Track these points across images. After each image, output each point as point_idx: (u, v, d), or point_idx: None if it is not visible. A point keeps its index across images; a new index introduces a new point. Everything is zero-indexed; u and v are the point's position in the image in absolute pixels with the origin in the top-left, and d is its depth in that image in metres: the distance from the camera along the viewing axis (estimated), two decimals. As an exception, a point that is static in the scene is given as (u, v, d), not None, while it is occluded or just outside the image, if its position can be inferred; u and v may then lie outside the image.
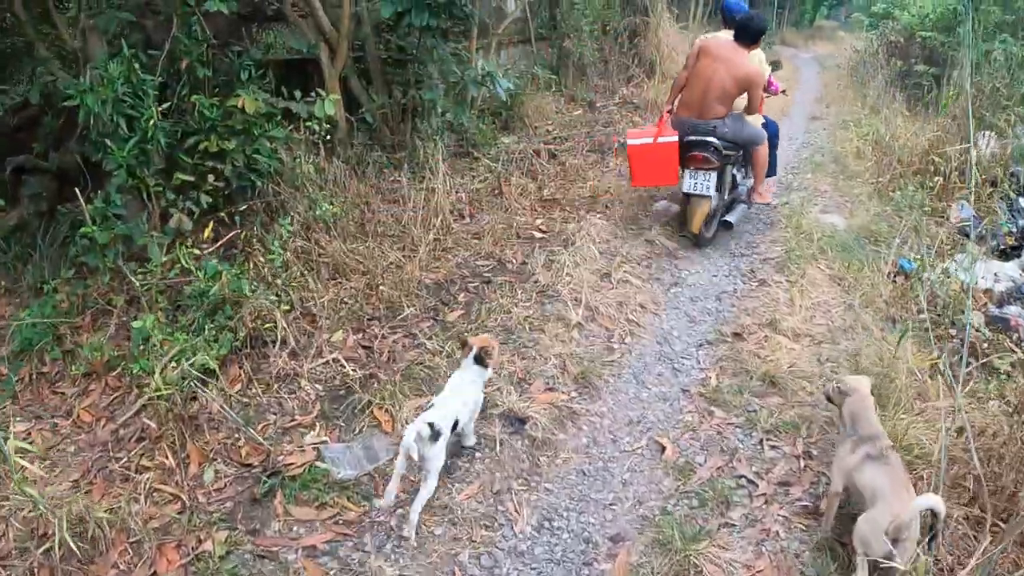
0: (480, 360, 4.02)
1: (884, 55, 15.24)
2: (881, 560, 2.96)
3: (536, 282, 5.92)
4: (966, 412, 4.01)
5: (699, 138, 6.40)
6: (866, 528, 3.06)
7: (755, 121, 6.84)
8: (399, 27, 7.76)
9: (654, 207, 7.72)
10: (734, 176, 7.02)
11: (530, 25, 12.17)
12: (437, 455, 3.57)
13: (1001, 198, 8.51)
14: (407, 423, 3.77)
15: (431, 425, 3.48)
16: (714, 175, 6.43)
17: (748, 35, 6.33)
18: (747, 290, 6.22)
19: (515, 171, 8.02)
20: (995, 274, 6.80)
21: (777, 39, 28.24)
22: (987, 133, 9.14)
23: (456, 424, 3.77)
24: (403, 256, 6.12)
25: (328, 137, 6.50)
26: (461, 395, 3.89)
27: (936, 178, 8.16)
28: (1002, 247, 7.61)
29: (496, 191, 7.63)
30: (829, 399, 3.96)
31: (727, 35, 6.56)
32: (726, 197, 6.96)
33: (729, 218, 6.91)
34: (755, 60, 6.47)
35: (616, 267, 6.24)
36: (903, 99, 12.76)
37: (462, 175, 7.85)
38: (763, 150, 6.85)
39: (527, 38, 12.27)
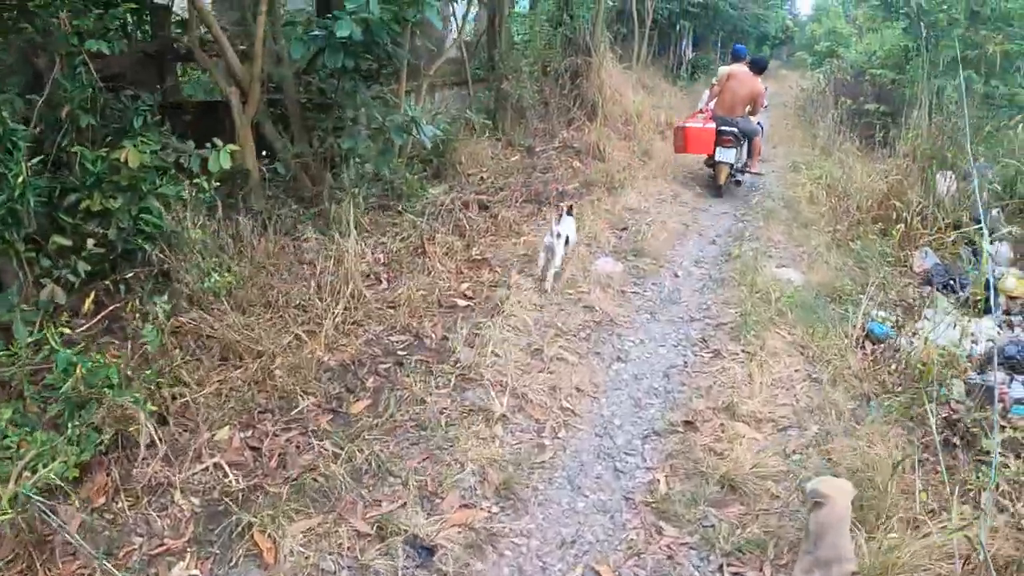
0: (571, 211, 7.00)
1: (832, 94, 14.79)
2: None
3: (457, 362, 5.09)
4: (964, 532, 3.26)
5: (727, 128, 10.11)
6: None
7: (755, 120, 10.68)
8: (312, 69, 7.00)
9: (595, 264, 6.97)
10: (741, 150, 10.53)
11: (467, 66, 11.48)
12: (561, 250, 6.41)
13: (966, 243, 7.96)
14: (291, 554, 3.53)
15: (559, 234, 6.36)
16: (733, 150, 10.18)
17: (757, 68, 10.43)
18: (699, 363, 5.45)
19: (442, 226, 7.22)
20: (972, 334, 6.11)
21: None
22: (948, 173, 8.59)
23: (568, 240, 6.60)
24: (306, 332, 5.26)
25: (232, 192, 5.75)
26: (570, 227, 6.74)
27: (898, 226, 7.52)
28: (969, 298, 6.97)
29: (419, 250, 6.80)
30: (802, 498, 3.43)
31: (740, 67, 10.46)
32: (736, 167, 10.62)
33: (739, 178, 10.97)
34: (759, 84, 10.29)
35: (549, 341, 5.44)
36: (855, 139, 12.28)
37: (383, 231, 7.02)
38: (758, 139, 10.76)
39: (463, 80, 11.57)
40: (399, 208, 7.54)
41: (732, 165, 10.34)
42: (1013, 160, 8.35)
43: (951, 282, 7.36)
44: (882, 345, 5.76)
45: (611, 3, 15.38)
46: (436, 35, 10.84)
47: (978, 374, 5.56)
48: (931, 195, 8.15)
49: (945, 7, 12.01)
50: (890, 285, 6.94)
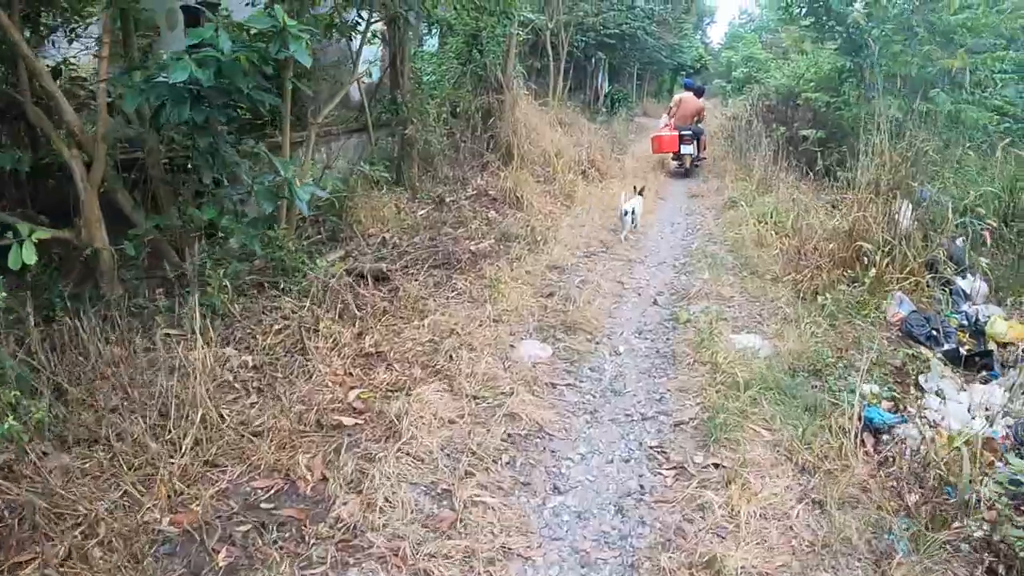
0: (641, 192, 10.45)
1: (761, 121, 13.84)
2: None
3: (337, 520, 3.67)
4: None
5: (686, 132, 14.60)
6: None
7: (701, 126, 15.35)
8: (156, 123, 5.64)
9: (518, 351, 5.64)
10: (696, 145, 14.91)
11: (367, 111, 10.18)
12: (630, 218, 9.53)
13: (942, 285, 6.92)
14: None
15: (626, 211, 9.53)
16: (692, 145, 14.66)
17: (698, 93, 15.63)
18: (661, 488, 4.12)
19: (330, 309, 5.82)
20: (985, 409, 4.97)
21: (639, 110, 27.48)
22: (904, 203, 7.55)
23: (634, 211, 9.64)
24: (142, 481, 3.82)
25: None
26: (638, 202, 9.86)
27: (869, 271, 6.43)
28: (959, 350, 5.83)
29: (298, 346, 5.38)
30: None
31: (687, 93, 15.63)
32: (693, 155, 14.97)
33: (697, 163, 15.43)
34: (700, 103, 15.47)
35: (462, 477, 4.05)
36: (794, 169, 11.30)
37: (258, 320, 5.60)
38: (704, 137, 15.51)
39: (364, 126, 10.25)
40: (283, 284, 6.15)
41: (691, 155, 15.14)
42: (989, 186, 7.34)
43: (934, 333, 6.27)
44: (885, 436, 4.54)
45: (523, 36, 14.26)
46: (338, 78, 9.61)
47: (1005, 465, 4.38)
48: (895, 229, 7.07)
49: (884, 24, 11.14)
50: (870, 345, 5.77)
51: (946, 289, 6.94)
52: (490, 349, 5.54)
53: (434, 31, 16.34)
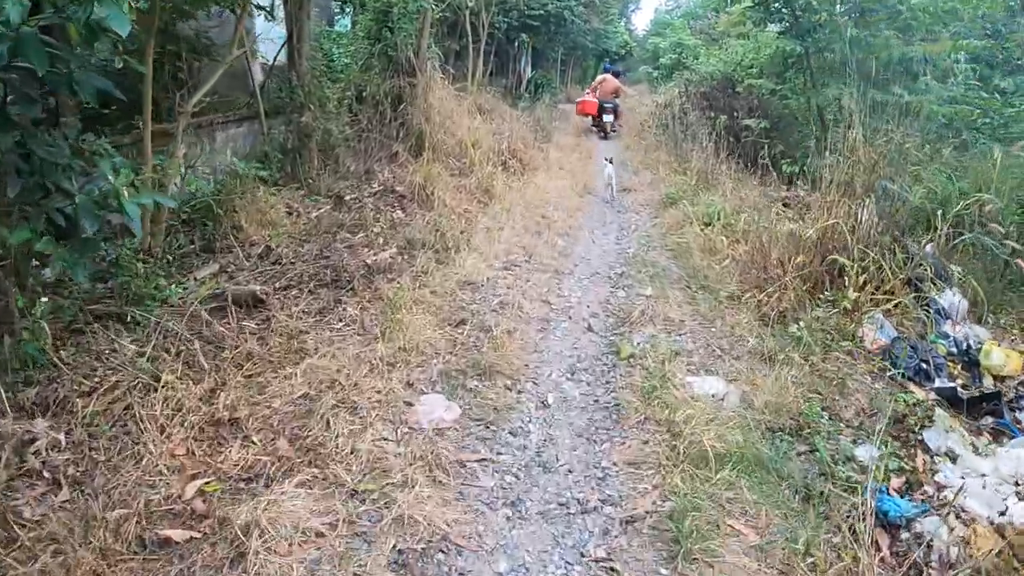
0: (611, 161, 11.85)
1: (698, 109, 12.73)
2: None
3: None
4: None
5: (607, 104, 18.57)
6: None
7: (618, 101, 19.04)
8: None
9: (416, 410, 4.32)
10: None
11: (259, 97, 8.76)
12: (610, 180, 11.13)
13: (924, 306, 5.89)
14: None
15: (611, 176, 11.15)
16: (611, 116, 18.65)
17: (615, 75, 20.33)
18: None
19: (180, 353, 4.45)
20: (1017, 484, 3.89)
21: (563, 97, 26.38)
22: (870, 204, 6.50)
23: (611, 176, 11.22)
24: None
25: None
26: (612, 170, 11.31)
27: (847, 290, 5.35)
28: (958, 391, 4.86)
29: (128, 412, 3.98)
30: None
31: (607, 75, 19.58)
32: (611, 122, 18.63)
33: (614, 129, 18.84)
34: (617, 82, 19.43)
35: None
36: (737, 162, 10.24)
37: (91, 370, 4.21)
38: (620, 109, 19.32)
39: (255, 113, 8.82)
40: (130, 317, 4.77)
41: (610, 123, 18.74)
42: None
43: (923, 365, 5.21)
44: (905, 533, 3.40)
45: (440, 14, 12.89)
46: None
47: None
48: (869, 236, 6.00)
49: (837, 6, 10.13)
50: (855, 387, 4.66)
51: (927, 308, 5.90)
52: (380, 410, 4.22)
53: (347, 9, 14.90)
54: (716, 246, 7.39)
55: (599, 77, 19.74)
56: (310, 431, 3.96)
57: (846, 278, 5.65)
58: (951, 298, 5.94)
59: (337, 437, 3.86)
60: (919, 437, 4.26)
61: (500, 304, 6.01)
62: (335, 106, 9.59)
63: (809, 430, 4.18)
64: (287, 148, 9.13)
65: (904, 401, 4.56)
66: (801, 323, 5.34)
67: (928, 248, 6.31)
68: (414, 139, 10.95)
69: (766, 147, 9.89)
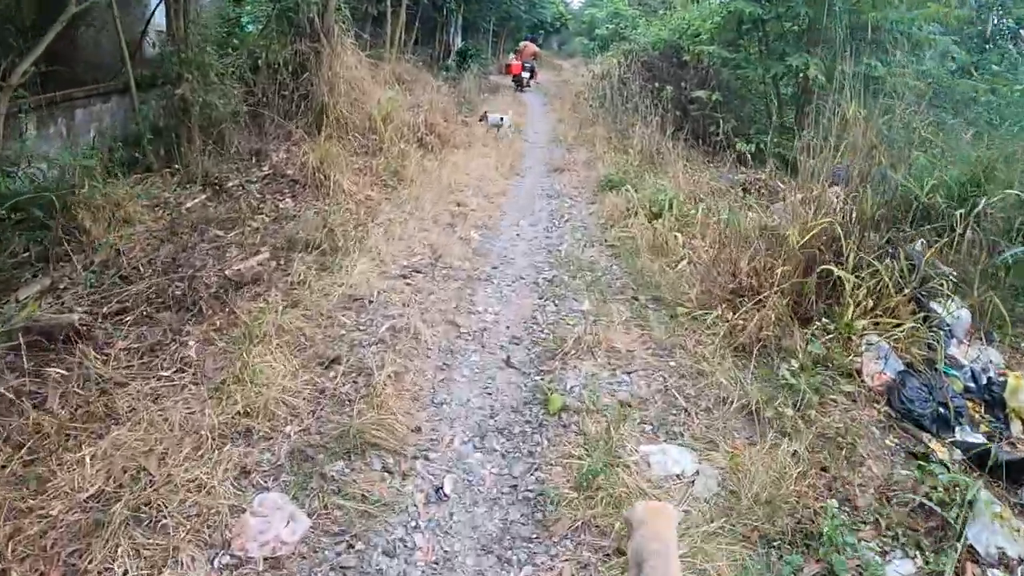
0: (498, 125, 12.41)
1: (640, 80, 11.37)
2: None
3: None
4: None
5: (527, 64, 22.70)
6: None
7: (535, 62, 24.01)
8: None
9: (247, 525, 2.87)
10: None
11: (128, 65, 7.24)
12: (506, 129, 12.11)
13: (932, 326, 4.70)
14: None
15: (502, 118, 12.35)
16: (528, 73, 22.57)
17: (534, 42, 28.66)
18: None
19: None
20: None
21: (495, 67, 24.93)
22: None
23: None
24: None
25: None
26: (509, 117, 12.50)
27: (846, 310, 4.10)
28: (992, 450, 3.62)
29: None
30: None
31: (528, 42, 25.58)
32: (527, 79, 22.37)
33: (529, 84, 22.51)
34: (535, 47, 26.27)
35: None
36: (687, 139, 8.97)
37: None
38: (537, 69, 24.20)
39: (126, 86, 7.26)
40: None
41: (526, 79, 22.13)
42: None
43: (941, 410, 4.00)
44: None
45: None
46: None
47: None
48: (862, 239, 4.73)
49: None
50: (866, 452, 3.40)
51: (933, 327, 4.69)
52: (194, 524, 2.79)
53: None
54: (668, 243, 6.06)
55: (521, 44, 25.21)
56: (91, 561, 2.53)
57: (841, 293, 4.37)
58: (951, 309, 4.74)
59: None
60: (961, 532, 3.01)
61: (391, 330, 4.56)
62: (219, 75, 8.03)
63: (819, 539, 2.86)
64: (160, 127, 7.62)
65: (930, 473, 3.27)
66: (793, 361, 4.03)
67: (916, 246, 5.09)
68: (315, 113, 9.45)
69: (719, 123, 8.61)
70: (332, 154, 7.96)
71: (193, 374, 3.93)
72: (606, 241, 6.70)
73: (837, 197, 5.01)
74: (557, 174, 9.83)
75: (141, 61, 8.05)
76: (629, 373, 4.24)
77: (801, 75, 8.91)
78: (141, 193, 6.70)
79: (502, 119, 12.46)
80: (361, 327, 4.63)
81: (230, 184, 7.41)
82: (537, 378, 4.22)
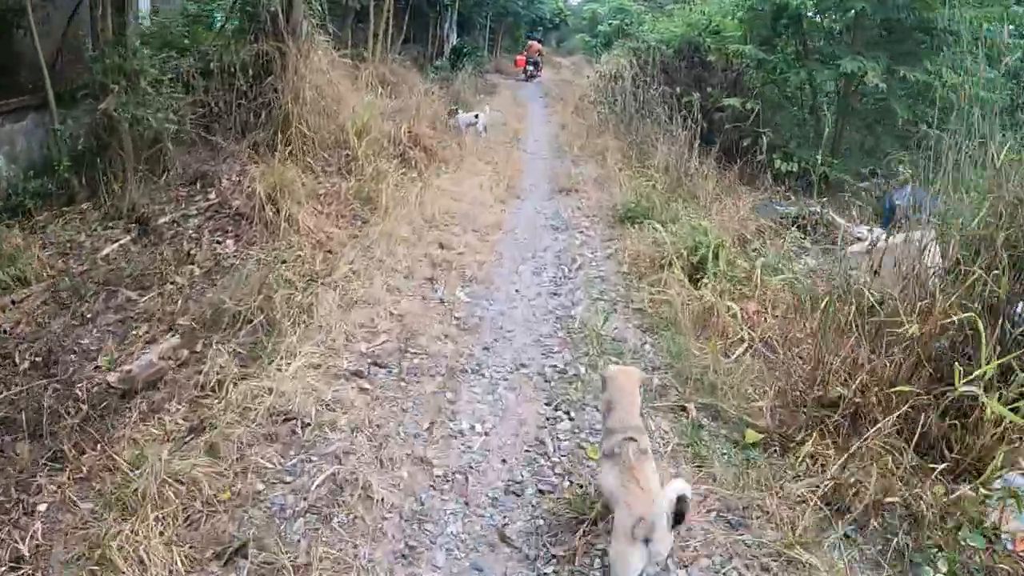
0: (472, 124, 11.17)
1: (656, 83, 9.87)
2: None
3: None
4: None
5: (532, 59, 25.22)
6: (612, 554, 2.52)
7: (539, 57, 25.90)
8: None
9: None
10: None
11: (46, 75, 5.87)
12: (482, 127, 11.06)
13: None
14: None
15: (477, 116, 11.14)
16: (533, 66, 25.05)
17: (538, 40, 28.88)
18: None
19: None
20: None
21: (491, 66, 23.52)
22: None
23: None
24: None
25: None
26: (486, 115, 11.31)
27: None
28: None
29: None
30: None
31: (533, 41, 27.81)
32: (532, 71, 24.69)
33: (534, 75, 24.93)
34: (539, 45, 27.80)
35: None
36: (717, 158, 7.55)
37: None
38: (541, 63, 26.00)
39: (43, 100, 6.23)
40: None
41: (531, 71, 24.55)
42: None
43: None
44: None
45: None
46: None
47: None
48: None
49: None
50: None
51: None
52: None
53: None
54: (720, 314, 4.55)
55: (528, 43, 27.39)
56: None
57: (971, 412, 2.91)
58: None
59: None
60: None
61: (330, 483, 3.06)
62: (154, 84, 6.59)
63: None
64: (80, 150, 6.22)
65: None
66: (940, 562, 2.56)
67: (1019, 307, 3.58)
68: (277, 126, 7.99)
69: (757, 137, 7.16)
70: (288, 179, 6.49)
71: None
72: (632, 303, 5.18)
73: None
74: (563, 196, 8.31)
75: (73, 69, 6.67)
76: (686, 566, 2.75)
77: (856, 82, 7.44)
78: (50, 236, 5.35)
79: (477, 117, 11.24)
80: (287, 475, 3.12)
81: (163, 220, 6.01)
82: (548, 570, 2.73)
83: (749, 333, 4.31)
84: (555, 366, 4.31)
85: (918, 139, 8.52)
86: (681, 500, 2.35)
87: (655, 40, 12.45)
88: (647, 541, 2.40)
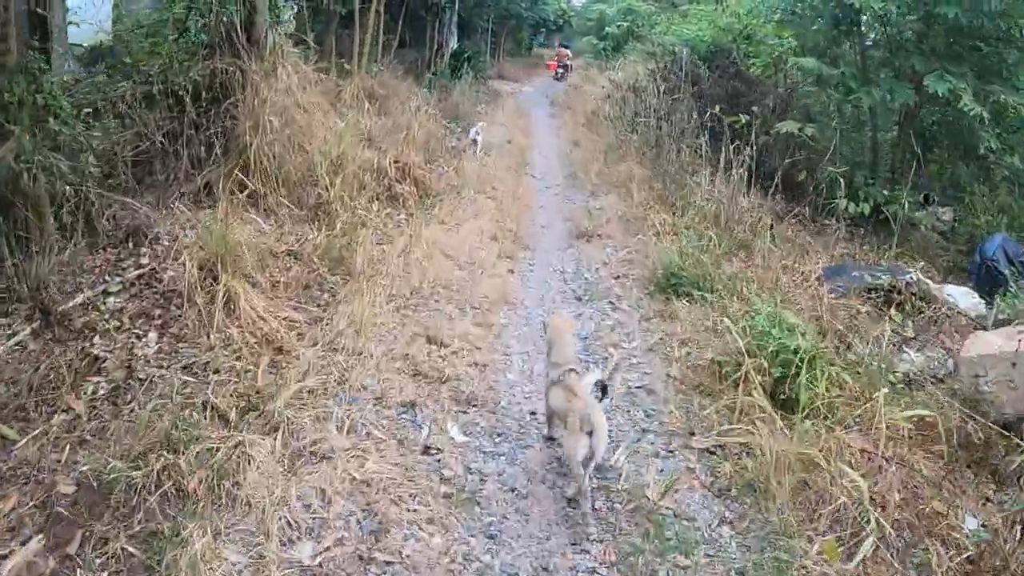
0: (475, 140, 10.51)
1: (682, 95, 8.38)
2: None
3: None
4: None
5: (563, 64, 27.58)
6: (564, 444, 3.36)
7: (568, 62, 28.21)
8: None
9: None
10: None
11: None
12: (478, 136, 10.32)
13: None
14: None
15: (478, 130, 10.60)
16: (563, 68, 27.20)
17: (567, 48, 31.69)
18: None
19: None
20: None
21: (494, 73, 21.96)
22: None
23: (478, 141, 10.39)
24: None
25: None
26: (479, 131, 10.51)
27: None
28: None
29: None
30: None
31: (562, 48, 32.23)
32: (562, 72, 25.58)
33: (565, 76, 26.36)
34: (568, 52, 29.72)
35: None
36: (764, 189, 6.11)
37: None
38: (571, 65, 28.06)
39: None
40: None
41: (564, 75, 25.99)
42: None
43: None
44: None
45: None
46: None
47: None
48: None
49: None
50: None
51: None
52: None
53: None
54: (833, 488, 3.05)
55: (557, 50, 31.50)
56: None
57: None
58: None
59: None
60: None
61: None
62: (64, 122, 5.18)
63: None
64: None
65: None
66: None
67: None
68: (233, 163, 6.60)
69: (812, 170, 5.72)
70: (233, 242, 5.03)
71: None
72: (694, 440, 3.67)
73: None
74: (584, 244, 6.82)
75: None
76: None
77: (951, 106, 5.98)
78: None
79: (477, 134, 10.57)
80: None
81: (74, 303, 4.56)
82: None
83: (877, 519, 2.82)
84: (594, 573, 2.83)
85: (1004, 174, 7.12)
86: (598, 383, 3.45)
87: (675, 44, 11.01)
88: (590, 434, 3.12)
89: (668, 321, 4.94)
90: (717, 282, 5.09)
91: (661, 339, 4.72)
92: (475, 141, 10.34)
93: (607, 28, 25.16)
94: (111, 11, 7.21)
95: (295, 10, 9.98)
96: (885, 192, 6.51)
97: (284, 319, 4.74)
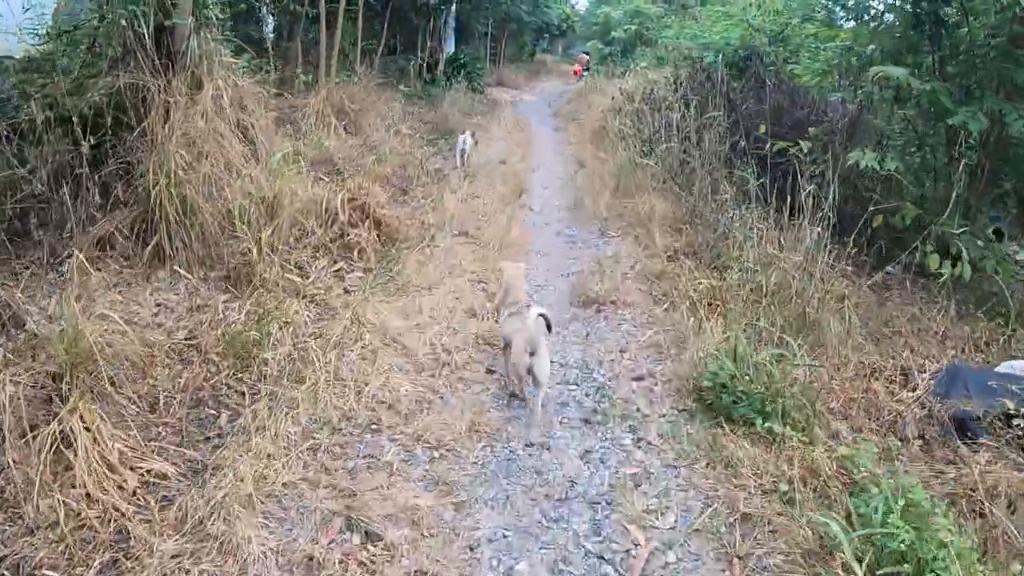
0: (474, 135, 9.93)
1: (710, 109, 6.74)
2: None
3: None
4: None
5: (586, 67, 26.46)
6: (511, 359, 3.85)
7: (589, 65, 25.82)
8: None
9: None
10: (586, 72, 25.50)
11: None
12: (465, 146, 9.45)
13: None
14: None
15: (471, 135, 9.82)
16: (585, 72, 25.64)
17: (587, 55, 28.62)
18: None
19: None
20: None
21: (493, 80, 20.39)
22: None
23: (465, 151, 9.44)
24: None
25: None
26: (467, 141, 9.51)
27: None
28: None
29: None
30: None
31: (582, 54, 30.17)
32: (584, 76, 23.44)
33: (585, 75, 24.06)
34: (587, 58, 27.98)
35: None
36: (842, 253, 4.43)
37: None
38: (591, 65, 25.07)
39: None
40: None
41: (584, 77, 24.36)
42: None
43: None
44: None
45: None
46: None
47: None
48: None
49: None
50: None
51: None
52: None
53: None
54: None
55: (579, 56, 30.77)
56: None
57: None
58: None
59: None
60: None
61: None
62: None
63: None
64: None
65: None
66: None
67: None
68: (138, 210, 5.05)
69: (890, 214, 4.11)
70: (90, 345, 3.41)
71: None
72: None
73: None
74: (592, 315, 5.14)
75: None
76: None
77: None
78: None
79: (465, 143, 9.60)
80: None
81: None
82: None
83: None
84: None
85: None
86: (542, 315, 3.76)
87: (691, 48, 9.41)
88: (532, 354, 3.67)
89: (720, 470, 3.26)
90: (787, 400, 3.43)
91: (714, 510, 3.03)
92: (462, 152, 9.39)
93: (613, 32, 23.98)
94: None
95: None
96: (979, 243, 4.86)
97: (143, 478, 3.09)
